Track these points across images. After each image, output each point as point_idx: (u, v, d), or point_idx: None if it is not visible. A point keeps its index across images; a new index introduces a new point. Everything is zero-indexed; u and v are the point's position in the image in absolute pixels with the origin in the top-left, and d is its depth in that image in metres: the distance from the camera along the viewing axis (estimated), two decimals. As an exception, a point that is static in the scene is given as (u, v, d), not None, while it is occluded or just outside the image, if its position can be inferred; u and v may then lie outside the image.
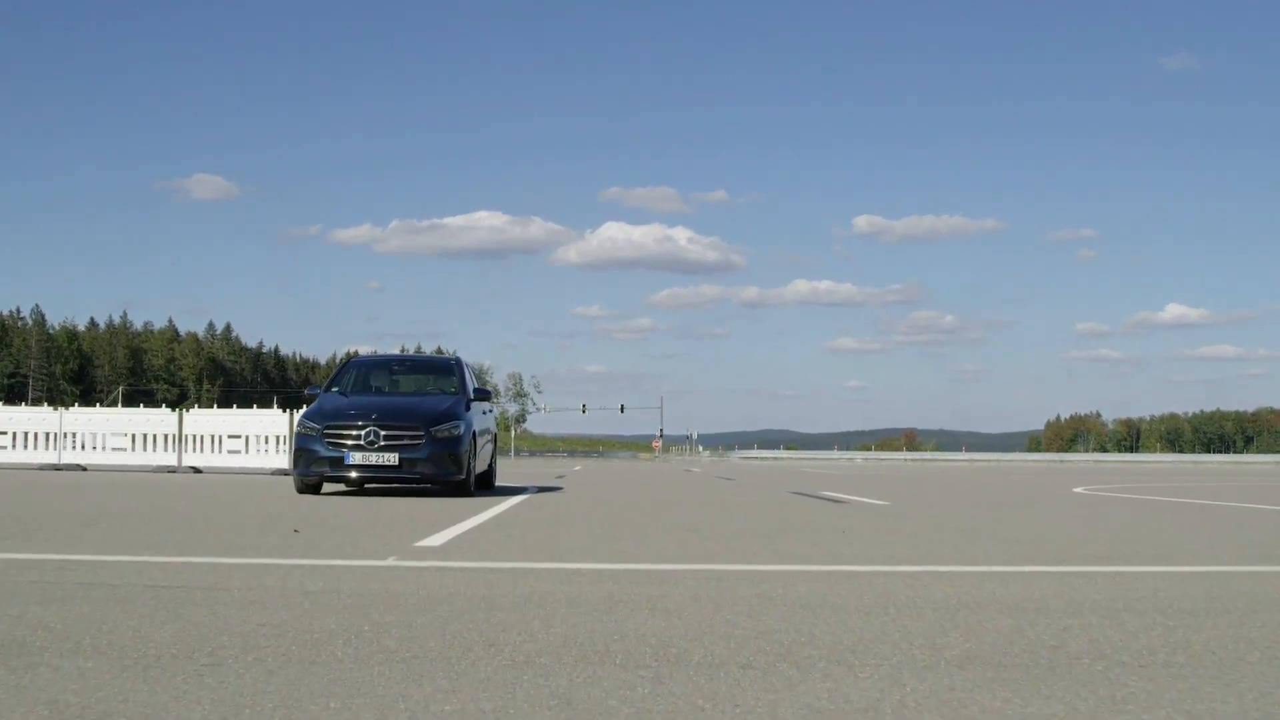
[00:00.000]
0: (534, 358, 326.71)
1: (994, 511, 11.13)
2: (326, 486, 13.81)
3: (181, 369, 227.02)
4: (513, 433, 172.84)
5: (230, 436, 22.20)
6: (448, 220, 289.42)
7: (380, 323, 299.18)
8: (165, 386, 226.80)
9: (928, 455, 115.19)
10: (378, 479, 12.51)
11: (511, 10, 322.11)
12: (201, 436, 22.51)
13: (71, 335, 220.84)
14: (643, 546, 6.51)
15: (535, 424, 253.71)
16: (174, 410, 23.08)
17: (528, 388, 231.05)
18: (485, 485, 15.12)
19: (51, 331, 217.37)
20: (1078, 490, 18.34)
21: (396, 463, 12.34)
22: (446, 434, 12.57)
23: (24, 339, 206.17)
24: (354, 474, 12.35)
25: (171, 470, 22.20)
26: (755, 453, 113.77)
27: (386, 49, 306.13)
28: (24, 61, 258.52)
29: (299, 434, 12.81)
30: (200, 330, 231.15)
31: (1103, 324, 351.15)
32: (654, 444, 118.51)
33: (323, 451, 12.42)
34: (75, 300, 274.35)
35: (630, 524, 8.57)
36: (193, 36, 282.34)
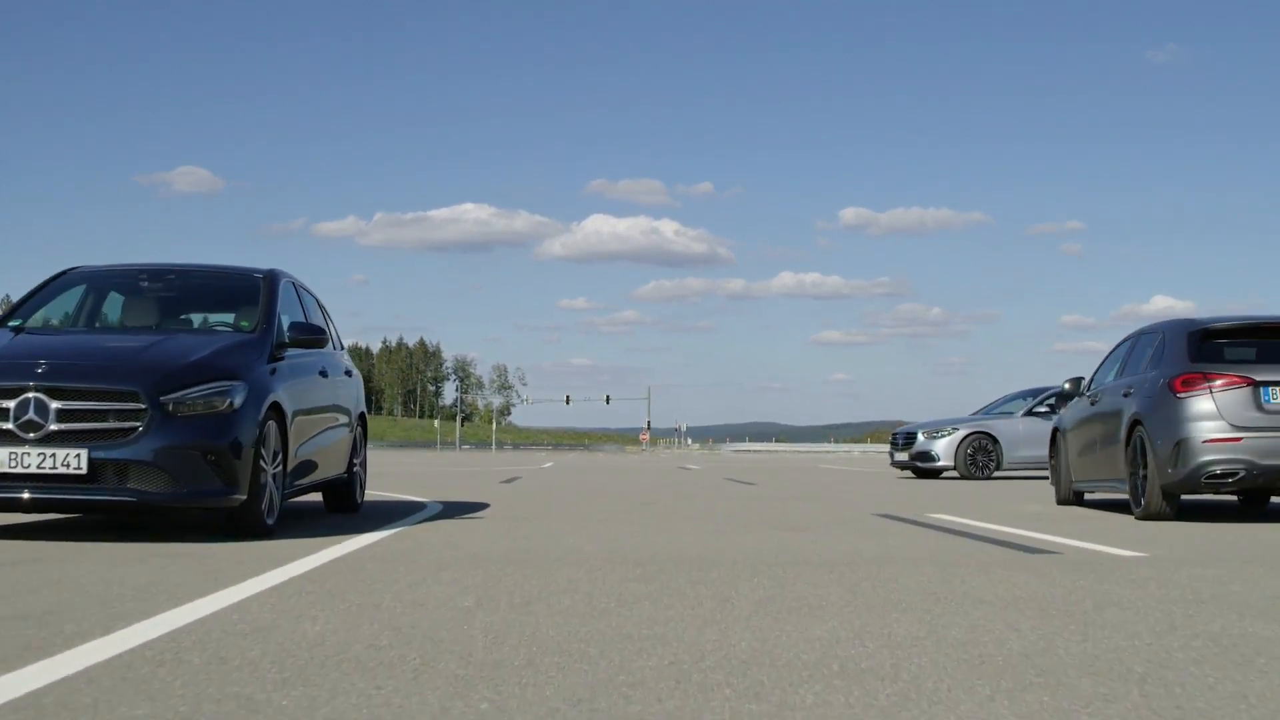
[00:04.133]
0: (519, 351, 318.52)
1: None
2: None
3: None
4: (494, 425, 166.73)
5: None
6: (432, 213, 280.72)
7: (364, 316, 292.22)
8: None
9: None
10: (51, 500, 5.93)
11: (496, 3, 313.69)
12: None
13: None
14: None
15: (521, 416, 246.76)
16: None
17: (512, 380, 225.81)
18: (340, 505, 8.63)
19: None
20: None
21: (83, 469, 5.74)
22: (197, 408, 5.98)
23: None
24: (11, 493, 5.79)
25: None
26: (747, 446, 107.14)
27: (371, 42, 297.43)
28: (3, 54, 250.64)
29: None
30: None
31: (1088, 316, 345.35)
32: (641, 436, 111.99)
33: (-72, 447, 5.81)
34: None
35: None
36: (177, 29, 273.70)
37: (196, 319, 7.68)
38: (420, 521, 7.76)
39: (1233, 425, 8.03)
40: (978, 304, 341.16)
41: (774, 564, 5.30)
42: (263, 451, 6.29)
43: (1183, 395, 8.21)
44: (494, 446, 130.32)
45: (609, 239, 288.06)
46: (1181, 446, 8.13)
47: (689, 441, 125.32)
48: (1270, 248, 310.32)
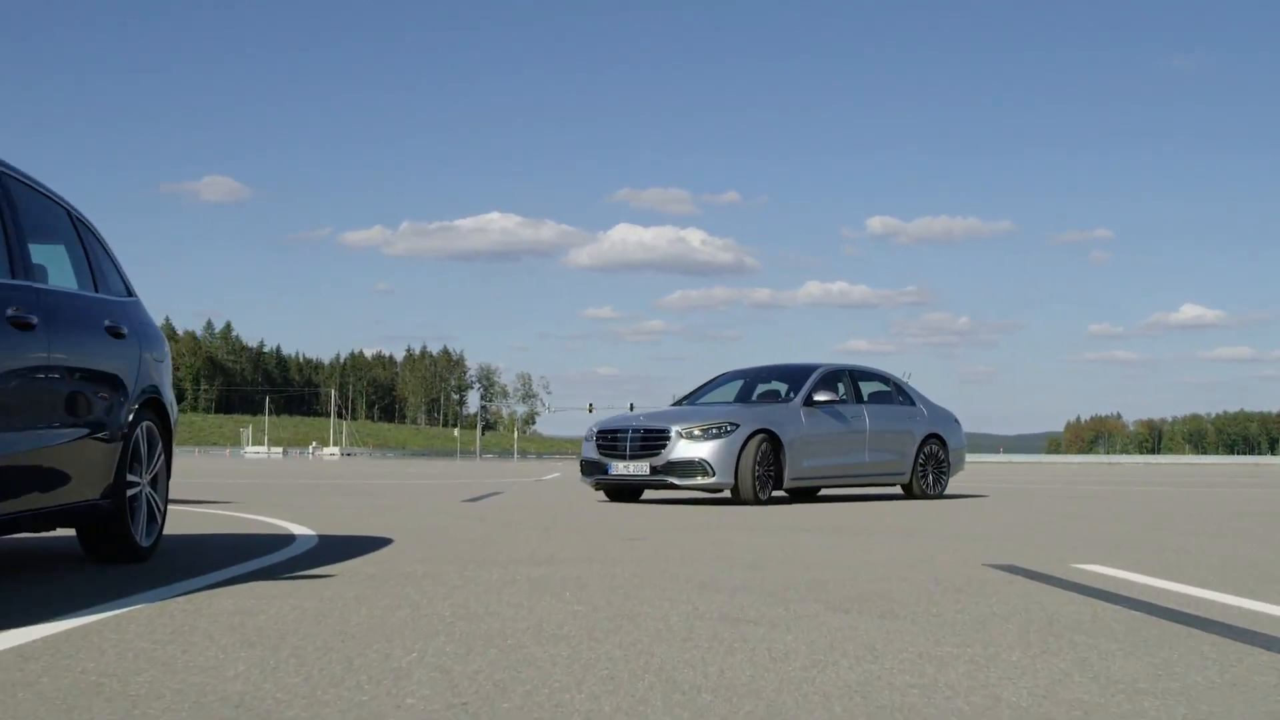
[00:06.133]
0: (544, 360, 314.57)
1: None
2: None
3: (178, 369, 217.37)
4: (515, 434, 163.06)
5: None
6: (459, 222, 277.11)
7: (389, 324, 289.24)
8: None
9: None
10: None
11: (522, 11, 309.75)
12: None
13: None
14: None
15: (547, 425, 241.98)
16: None
17: (536, 389, 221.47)
18: (106, 549, 5.22)
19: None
20: None
21: None
22: None
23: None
24: None
25: None
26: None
27: (397, 51, 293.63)
28: (32, 63, 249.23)
29: None
30: (198, 329, 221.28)
31: (1116, 325, 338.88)
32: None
33: None
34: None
35: None
36: (204, 39, 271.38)
37: None
38: (195, 590, 4.31)
39: None
40: (1005, 313, 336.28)
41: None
42: None
43: None
44: (515, 455, 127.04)
45: (635, 248, 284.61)
46: None
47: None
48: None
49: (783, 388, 13.49)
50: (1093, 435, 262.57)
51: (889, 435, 13.61)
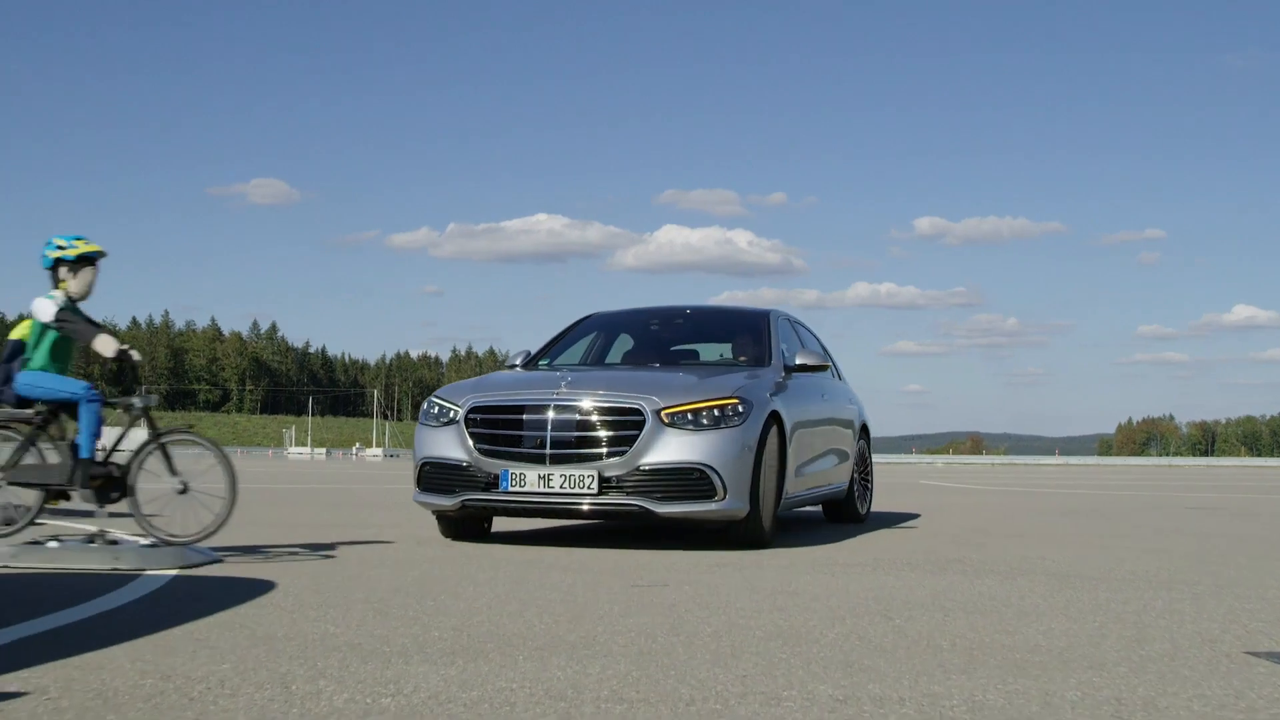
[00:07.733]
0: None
1: None
2: None
3: (224, 369, 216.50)
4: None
5: None
6: (505, 224, 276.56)
7: (435, 326, 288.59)
8: (207, 388, 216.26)
9: (1020, 459, 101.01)
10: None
11: (569, 13, 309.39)
12: None
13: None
14: None
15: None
16: None
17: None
18: None
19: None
20: None
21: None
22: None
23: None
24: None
25: None
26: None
27: (444, 54, 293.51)
28: (81, 66, 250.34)
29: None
30: (244, 330, 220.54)
31: (1167, 327, 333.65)
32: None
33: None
34: (129, 306, 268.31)
35: None
36: (252, 42, 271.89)
37: None
38: None
39: None
40: (1054, 314, 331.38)
41: None
42: None
43: None
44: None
45: (682, 249, 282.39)
46: None
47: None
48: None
49: (641, 340, 8.44)
50: (1145, 437, 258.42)
51: (840, 427, 8.59)
